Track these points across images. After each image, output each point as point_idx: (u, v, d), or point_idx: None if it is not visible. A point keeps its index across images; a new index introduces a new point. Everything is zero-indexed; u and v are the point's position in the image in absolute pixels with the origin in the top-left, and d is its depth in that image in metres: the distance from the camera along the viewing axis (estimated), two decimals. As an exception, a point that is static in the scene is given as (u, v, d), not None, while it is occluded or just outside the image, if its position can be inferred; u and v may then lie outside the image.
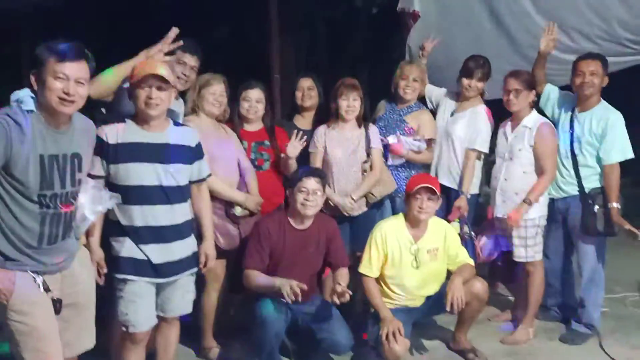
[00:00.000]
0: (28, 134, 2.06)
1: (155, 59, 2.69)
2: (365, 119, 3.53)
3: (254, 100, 3.39)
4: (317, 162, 3.46)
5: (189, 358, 3.33)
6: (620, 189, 3.41)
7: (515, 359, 3.35)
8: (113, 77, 2.71)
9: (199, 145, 2.71)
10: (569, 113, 3.54)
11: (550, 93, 3.68)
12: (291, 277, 3.01)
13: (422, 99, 3.92)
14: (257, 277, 2.95)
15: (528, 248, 3.50)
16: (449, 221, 3.52)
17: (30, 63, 2.14)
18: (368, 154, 3.47)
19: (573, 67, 3.47)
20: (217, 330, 3.38)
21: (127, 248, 2.56)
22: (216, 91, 3.18)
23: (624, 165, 3.41)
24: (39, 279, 2.17)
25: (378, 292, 3.19)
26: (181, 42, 2.83)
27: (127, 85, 2.65)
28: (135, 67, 2.59)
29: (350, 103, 3.44)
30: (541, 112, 3.67)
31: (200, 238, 2.79)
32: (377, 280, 3.23)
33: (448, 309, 3.06)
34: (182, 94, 3.16)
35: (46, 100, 2.09)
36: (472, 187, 3.72)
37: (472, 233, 3.63)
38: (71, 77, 2.09)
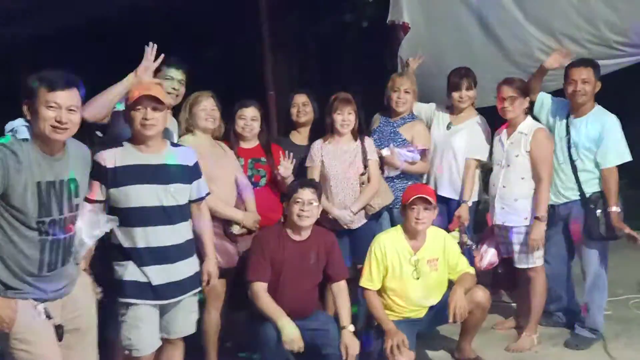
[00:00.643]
0: (24, 162, 2.08)
1: (148, 81, 2.71)
2: (360, 131, 3.55)
3: (250, 118, 3.42)
4: (314, 177, 3.47)
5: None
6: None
7: (521, 366, 3.35)
8: (106, 98, 2.73)
9: (196, 165, 2.73)
10: (564, 119, 3.55)
11: (544, 100, 3.70)
12: (293, 290, 3.05)
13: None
14: (266, 304, 2.96)
15: (529, 254, 3.50)
16: (449, 230, 3.53)
17: (22, 93, 2.17)
18: (365, 166, 3.49)
19: (565, 75, 3.50)
20: (221, 349, 3.37)
21: (129, 272, 2.55)
22: (207, 106, 3.20)
23: (620, 166, 3.42)
24: (40, 307, 2.17)
25: (380, 305, 3.19)
26: (162, 55, 2.84)
27: (122, 108, 2.67)
28: (130, 91, 2.62)
29: (345, 117, 3.46)
30: (536, 119, 3.69)
31: (200, 257, 2.79)
32: (379, 292, 3.23)
33: (451, 319, 3.05)
34: (174, 114, 3.18)
35: (39, 129, 2.11)
36: (473, 194, 3.73)
37: (472, 242, 3.64)
38: (63, 106, 2.12)
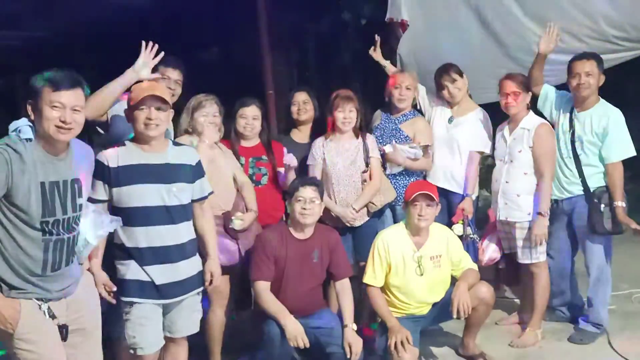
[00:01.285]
0: (28, 162, 2.07)
1: (151, 80, 2.70)
2: (361, 129, 3.55)
3: (251, 117, 3.41)
4: (316, 175, 3.46)
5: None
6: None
7: (525, 361, 3.35)
8: (104, 96, 2.73)
9: (199, 164, 2.72)
10: (568, 113, 3.55)
11: (548, 93, 3.69)
12: (296, 289, 3.04)
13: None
14: (269, 302, 2.96)
15: (532, 249, 3.49)
16: (452, 223, 3.52)
17: (25, 93, 2.16)
18: (367, 164, 3.48)
19: (568, 68, 3.49)
20: (226, 348, 3.36)
21: (132, 271, 2.55)
22: (209, 113, 3.17)
23: (622, 160, 3.41)
24: (44, 306, 2.17)
25: (384, 301, 3.18)
26: (162, 53, 2.85)
27: (122, 107, 2.66)
28: (133, 90, 2.61)
29: (347, 115, 3.46)
30: (538, 112, 3.68)
31: (202, 256, 2.79)
32: (383, 289, 3.22)
33: (454, 315, 3.05)
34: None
35: (43, 129, 2.11)
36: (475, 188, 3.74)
37: (476, 235, 3.63)
38: (67, 105, 2.11)
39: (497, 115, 3.67)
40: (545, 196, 3.41)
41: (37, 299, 2.16)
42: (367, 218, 3.51)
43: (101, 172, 2.47)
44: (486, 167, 4.01)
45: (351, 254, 3.42)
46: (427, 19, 4.56)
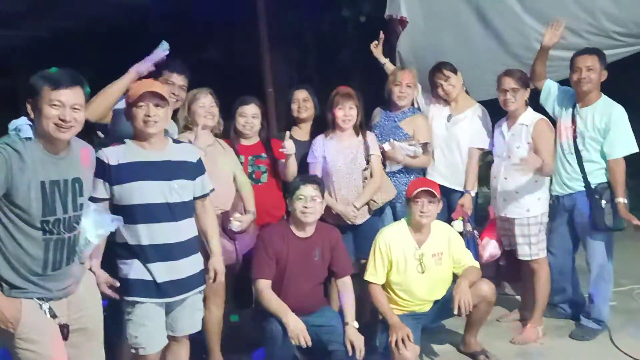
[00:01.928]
0: (28, 162, 2.07)
1: (148, 79, 2.71)
2: (361, 126, 3.54)
3: (250, 115, 3.41)
4: (317, 173, 3.45)
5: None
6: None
7: (527, 358, 3.34)
8: (107, 96, 2.72)
9: (200, 161, 2.72)
10: (570, 109, 3.54)
11: (551, 88, 3.68)
12: (298, 287, 3.04)
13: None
14: (271, 300, 2.96)
15: (532, 246, 3.50)
16: (452, 220, 3.52)
17: (25, 92, 2.16)
18: (367, 162, 3.47)
19: (570, 63, 3.49)
20: (227, 346, 3.36)
21: (135, 270, 2.55)
22: (205, 103, 3.18)
23: (624, 157, 3.40)
24: (45, 306, 2.16)
25: (385, 298, 3.18)
26: (167, 52, 2.87)
27: (123, 106, 2.66)
28: (130, 88, 2.61)
29: (347, 112, 3.45)
30: (540, 107, 3.66)
31: (205, 254, 2.79)
32: (384, 287, 3.22)
33: (456, 312, 3.05)
34: (172, 116, 3.18)
35: (43, 127, 2.10)
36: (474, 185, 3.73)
37: (475, 231, 3.63)
38: (67, 104, 2.10)
39: (498, 111, 3.66)
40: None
41: (38, 299, 2.16)
42: (369, 216, 3.51)
43: (101, 170, 2.46)
44: (486, 163, 4.00)
45: (352, 252, 3.41)
46: (427, 15, 4.55)
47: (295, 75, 6.53)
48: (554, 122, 3.63)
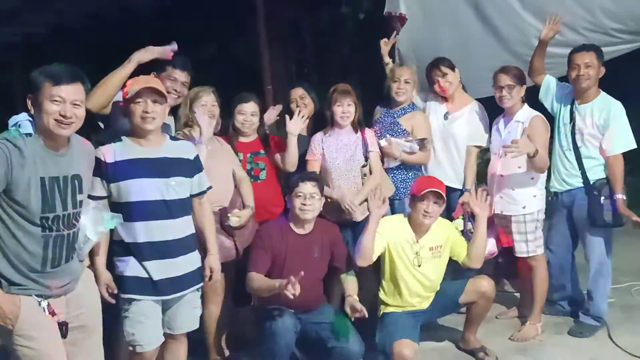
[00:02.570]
0: (28, 157, 2.06)
1: (147, 76, 2.69)
2: (359, 123, 3.54)
3: (249, 113, 3.41)
4: (315, 170, 3.44)
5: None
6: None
7: (526, 355, 3.34)
8: (108, 86, 2.71)
9: (197, 158, 2.71)
10: (569, 105, 3.54)
11: (550, 84, 3.68)
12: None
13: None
14: (259, 279, 2.93)
15: (529, 243, 3.49)
16: (452, 219, 3.52)
17: (25, 87, 2.16)
18: (366, 158, 3.47)
19: (568, 60, 3.48)
20: (226, 344, 3.37)
21: (131, 267, 2.54)
22: (207, 102, 3.18)
23: (622, 153, 3.40)
24: (44, 303, 2.16)
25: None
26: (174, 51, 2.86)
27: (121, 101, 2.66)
28: (127, 84, 2.59)
29: (345, 109, 3.45)
30: (539, 103, 3.65)
31: (202, 252, 2.78)
32: (383, 284, 3.23)
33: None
34: (172, 111, 3.17)
35: (43, 123, 2.10)
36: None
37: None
38: (67, 100, 2.10)
39: (496, 108, 3.65)
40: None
41: (37, 296, 2.16)
42: (368, 213, 3.50)
43: (98, 168, 2.45)
44: (485, 161, 4.00)
45: (351, 249, 3.40)
46: (426, 12, 4.54)
47: (294, 72, 6.52)
48: (552, 118, 3.63)
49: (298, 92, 3.73)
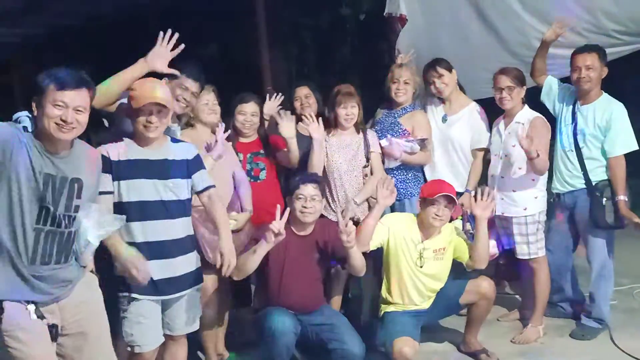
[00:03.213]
0: (25, 149, 2.06)
1: (154, 82, 2.62)
2: (362, 124, 3.53)
3: (250, 113, 3.41)
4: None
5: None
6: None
7: (527, 358, 3.32)
8: (112, 86, 2.69)
9: (197, 157, 2.69)
10: (571, 106, 3.52)
11: (552, 85, 3.66)
12: (297, 285, 3.01)
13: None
14: (243, 257, 2.83)
15: (530, 245, 3.48)
16: (452, 218, 3.50)
17: (25, 88, 2.15)
18: (368, 159, 3.46)
19: (570, 61, 3.47)
20: (225, 345, 3.35)
21: None
22: (209, 100, 3.18)
23: (625, 155, 3.39)
24: (31, 307, 2.12)
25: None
26: (182, 46, 2.75)
27: (125, 101, 2.64)
28: (134, 88, 2.56)
29: (349, 111, 3.44)
30: (540, 104, 3.64)
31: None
32: (385, 283, 3.22)
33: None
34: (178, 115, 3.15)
35: (44, 126, 2.09)
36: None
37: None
38: (70, 105, 2.09)
39: (496, 110, 3.64)
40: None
41: (25, 301, 2.11)
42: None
43: (105, 165, 2.44)
44: (485, 162, 3.99)
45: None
46: (426, 13, 4.54)
47: (295, 73, 6.52)
48: (554, 119, 3.61)
49: (303, 91, 3.71)
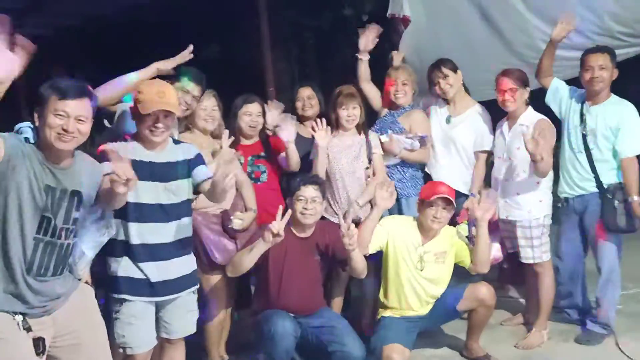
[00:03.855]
0: (27, 160, 2.04)
1: (162, 88, 2.59)
2: (363, 125, 3.49)
3: (255, 114, 3.40)
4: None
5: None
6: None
7: (531, 363, 3.30)
8: (118, 86, 2.69)
9: (198, 155, 2.67)
10: (579, 107, 3.48)
11: (558, 87, 3.61)
12: (296, 287, 3.00)
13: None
14: (239, 253, 2.87)
15: (535, 249, 3.43)
16: (457, 223, 3.47)
17: (33, 100, 2.15)
18: (370, 160, 3.44)
19: (581, 62, 3.43)
20: (226, 347, 3.33)
21: (124, 267, 2.52)
22: (207, 106, 3.16)
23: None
24: (19, 318, 2.08)
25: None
26: (191, 47, 2.85)
27: (130, 102, 2.64)
28: (141, 91, 2.54)
29: (351, 112, 3.42)
30: (545, 106, 3.60)
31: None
32: (384, 286, 3.20)
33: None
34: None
35: (46, 136, 2.08)
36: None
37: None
38: (71, 115, 2.09)
39: (500, 111, 3.61)
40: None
41: (13, 312, 2.07)
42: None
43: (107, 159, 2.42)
44: (488, 165, 3.96)
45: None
46: (430, 14, 4.52)
47: (297, 74, 6.51)
48: (559, 121, 3.57)
49: (306, 92, 3.70)
